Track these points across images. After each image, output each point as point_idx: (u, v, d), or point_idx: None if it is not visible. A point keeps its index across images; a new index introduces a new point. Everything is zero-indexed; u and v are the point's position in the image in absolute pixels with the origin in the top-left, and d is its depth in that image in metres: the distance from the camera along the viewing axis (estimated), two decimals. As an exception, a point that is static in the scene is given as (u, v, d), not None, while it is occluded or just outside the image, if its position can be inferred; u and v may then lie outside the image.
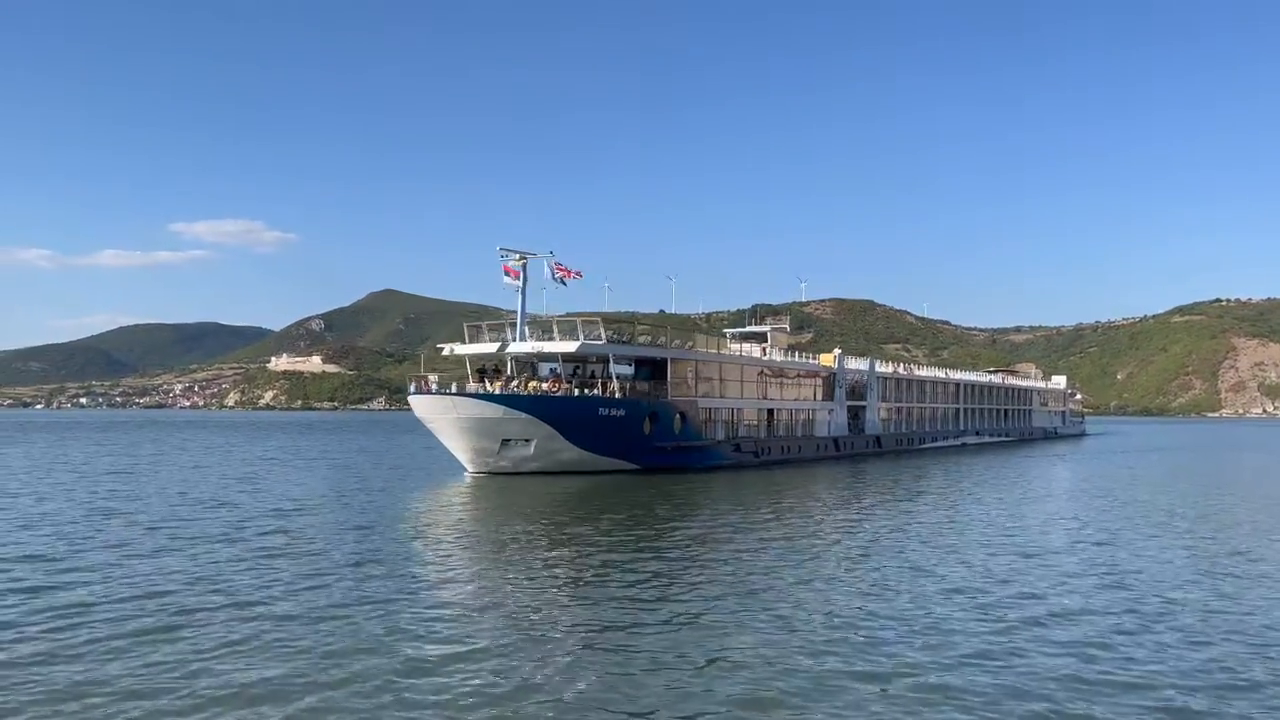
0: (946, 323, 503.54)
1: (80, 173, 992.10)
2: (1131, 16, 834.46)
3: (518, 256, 44.21)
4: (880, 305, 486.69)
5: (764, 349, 59.00)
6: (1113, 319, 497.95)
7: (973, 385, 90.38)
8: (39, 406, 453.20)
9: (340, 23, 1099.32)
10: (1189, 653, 12.94)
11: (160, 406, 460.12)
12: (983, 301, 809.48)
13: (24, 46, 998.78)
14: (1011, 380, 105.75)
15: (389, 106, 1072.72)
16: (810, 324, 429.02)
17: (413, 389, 41.30)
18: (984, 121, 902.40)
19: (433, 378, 41.43)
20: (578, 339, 42.84)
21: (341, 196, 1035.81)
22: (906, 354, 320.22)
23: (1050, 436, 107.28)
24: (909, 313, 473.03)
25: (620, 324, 46.24)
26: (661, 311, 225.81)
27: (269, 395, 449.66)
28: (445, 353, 45.70)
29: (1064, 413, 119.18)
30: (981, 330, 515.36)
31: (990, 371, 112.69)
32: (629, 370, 47.10)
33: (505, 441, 40.35)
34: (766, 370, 55.77)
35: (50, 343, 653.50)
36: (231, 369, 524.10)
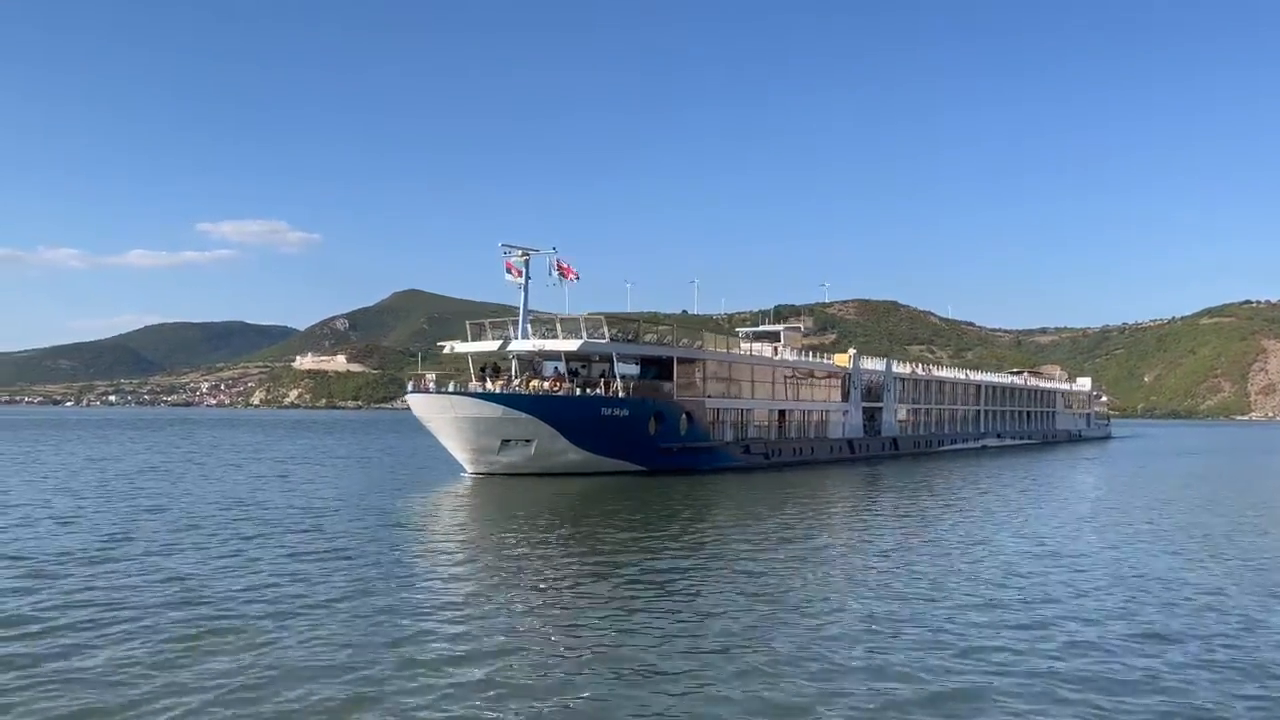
0: (971, 324, 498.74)
1: (109, 174, 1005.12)
2: (1154, 14, 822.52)
3: (520, 253, 43.37)
4: (904, 306, 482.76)
5: (775, 349, 57.80)
6: (1140, 321, 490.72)
7: (994, 386, 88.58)
8: (69, 404, 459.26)
9: (364, 24, 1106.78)
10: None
11: (187, 404, 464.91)
12: (1008, 303, 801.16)
13: (53, 48, 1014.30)
14: (1034, 381, 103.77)
15: (410, 108, 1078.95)
16: (834, 325, 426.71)
17: (410, 388, 40.53)
18: (1009, 122, 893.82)
19: (430, 376, 40.70)
20: (581, 338, 41.92)
21: (364, 197, 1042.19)
22: (930, 355, 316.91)
23: (1075, 439, 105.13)
24: (933, 314, 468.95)
25: (626, 323, 45.20)
26: (684, 312, 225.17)
27: (294, 394, 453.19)
28: (446, 351, 44.92)
29: (1089, 415, 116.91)
30: (1006, 331, 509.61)
31: (1013, 372, 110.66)
32: (634, 369, 46.21)
33: (505, 442, 39.49)
34: (778, 370, 54.59)
35: (80, 341, 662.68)
36: (257, 368, 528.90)
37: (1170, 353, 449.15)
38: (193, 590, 15.87)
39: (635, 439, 42.19)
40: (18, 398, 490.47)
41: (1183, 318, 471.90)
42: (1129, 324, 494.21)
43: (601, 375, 43.38)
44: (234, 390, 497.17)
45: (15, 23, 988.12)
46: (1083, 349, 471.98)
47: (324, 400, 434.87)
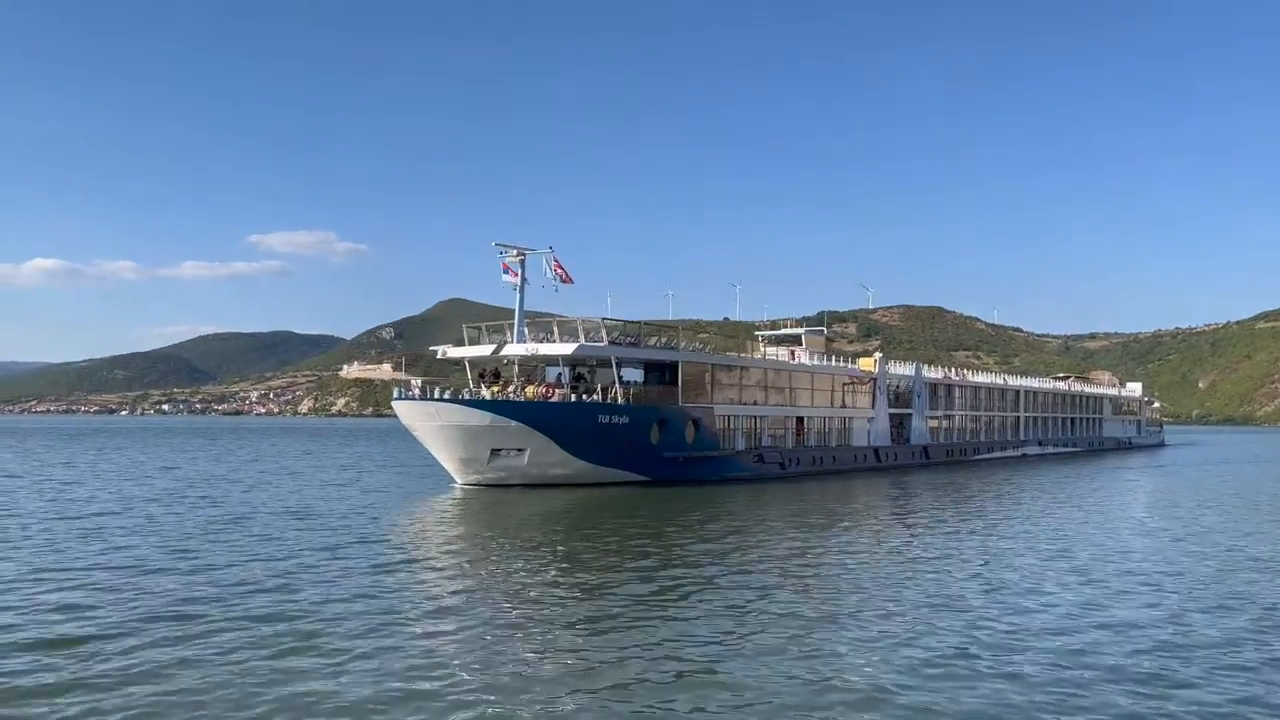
0: (1018, 329, 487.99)
1: (162, 187, 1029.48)
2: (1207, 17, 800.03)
3: (515, 253, 41.44)
4: (949, 312, 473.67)
5: (793, 352, 55.12)
6: (1193, 325, 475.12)
7: (1035, 392, 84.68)
8: (123, 413, 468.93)
9: (411, 33, 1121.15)
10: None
11: (237, 413, 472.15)
12: (1056, 308, 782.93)
13: (108, 62, 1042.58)
14: (1079, 386, 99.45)
15: (458, 116, 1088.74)
16: (878, 331, 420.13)
17: (396, 394, 38.72)
18: (1059, 123, 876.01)
19: (415, 381, 38.81)
20: (577, 341, 39.82)
21: (409, 206, 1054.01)
22: (976, 361, 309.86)
23: (1124, 447, 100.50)
24: (979, 319, 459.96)
25: (629, 325, 42.90)
26: (726, 319, 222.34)
27: (341, 402, 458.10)
28: (439, 355, 43.10)
29: (1139, 421, 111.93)
30: (1055, 337, 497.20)
31: (1057, 377, 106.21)
32: (638, 374, 44.07)
33: (495, 451, 37.48)
34: (795, 375, 51.93)
35: (134, 351, 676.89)
36: (305, 377, 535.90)
37: (1225, 358, 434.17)
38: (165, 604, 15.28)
39: (636, 448, 39.98)
40: (74, 407, 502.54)
41: (1238, 321, 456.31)
42: (1182, 328, 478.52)
43: (613, 382, 41.36)
44: (282, 399, 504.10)
45: (75, 39, 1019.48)
46: (1134, 354, 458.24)
47: (370, 409, 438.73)
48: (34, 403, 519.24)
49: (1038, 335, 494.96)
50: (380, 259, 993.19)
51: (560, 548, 22.36)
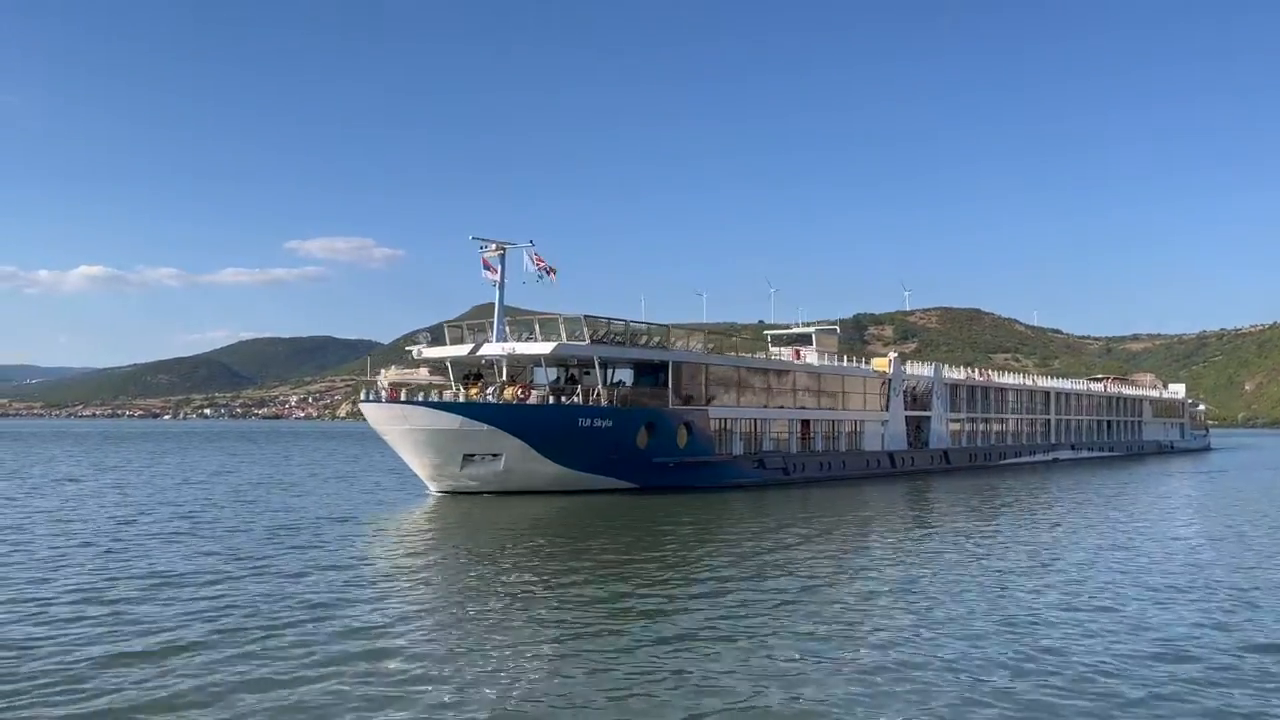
0: (1058, 331, 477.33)
1: (204, 195, 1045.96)
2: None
3: (494, 247, 39.31)
4: (987, 313, 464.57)
5: (798, 352, 52.37)
6: (1239, 326, 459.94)
7: (1067, 394, 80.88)
8: (166, 417, 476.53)
9: (445, 40, 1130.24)
10: None
11: (277, 417, 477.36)
12: (1097, 309, 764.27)
13: (149, 73, 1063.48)
14: (1116, 388, 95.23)
15: (493, 125, 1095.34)
16: (915, 333, 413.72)
17: (364, 395, 36.76)
18: (1100, 125, 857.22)
19: (383, 381, 36.73)
20: (558, 339, 37.60)
21: (445, 212, 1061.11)
22: (1016, 364, 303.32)
23: (1165, 451, 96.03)
24: (1018, 321, 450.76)
25: (614, 323, 40.43)
26: (760, 322, 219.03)
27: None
28: (414, 355, 41.09)
29: (1183, 425, 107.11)
30: (1096, 339, 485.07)
31: (1094, 379, 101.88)
32: (628, 375, 41.78)
33: (468, 456, 35.34)
34: (800, 376, 49.22)
35: (177, 356, 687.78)
36: (343, 380, 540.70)
37: (1273, 359, 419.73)
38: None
39: (622, 453, 37.65)
40: (119, 412, 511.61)
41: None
42: (1228, 329, 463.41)
43: (600, 383, 39.09)
44: (321, 403, 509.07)
45: (113, 46, 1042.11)
46: (1178, 356, 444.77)
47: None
48: (80, 406, 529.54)
49: (1078, 337, 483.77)
50: (417, 265, 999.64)
51: (507, 564, 20.23)
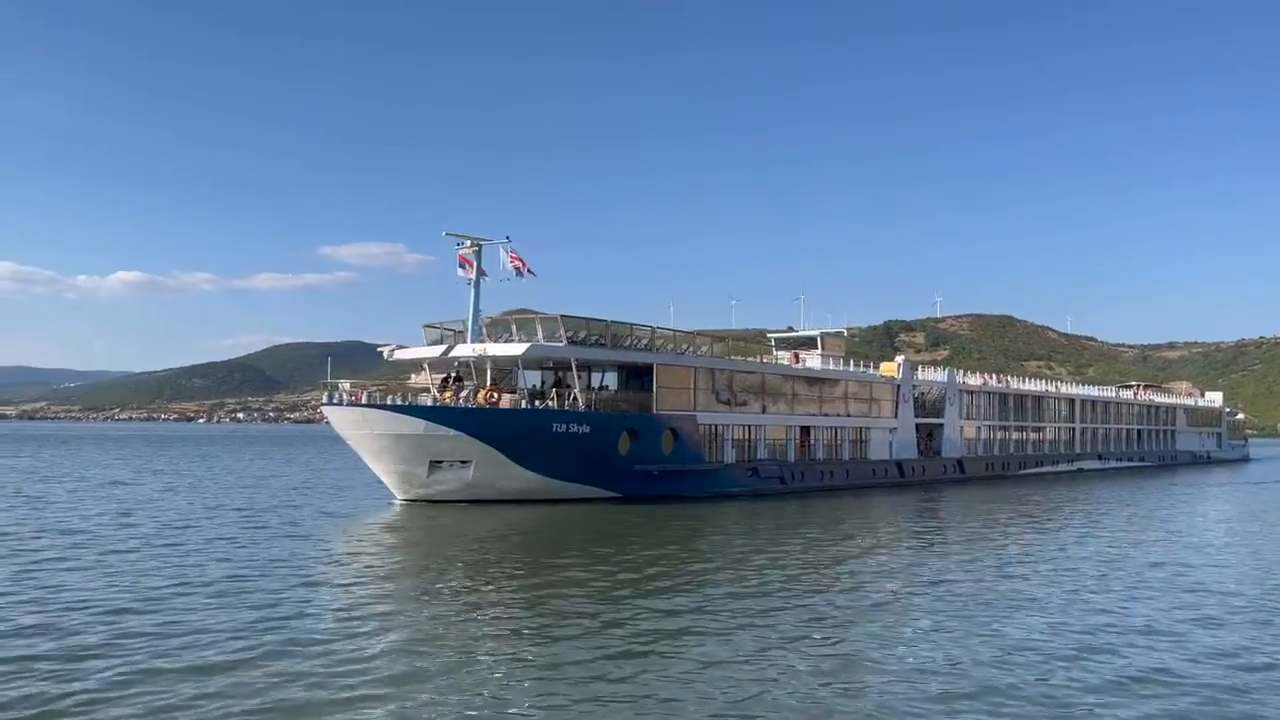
0: (1092, 339, 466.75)
1: (239, 202, 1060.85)
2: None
3: (469, 243, 37.51)
4: (1020, 321, 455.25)
5: (796, 355, 50.00)
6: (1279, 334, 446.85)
7: (1094, 401, 77.60)
8: (201, 421, 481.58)
9: (476, 53, 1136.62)
10: None
11: (309, 421, 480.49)
12: (1132, 316, 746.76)
13: (178, 84, 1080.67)
14: (1148, 396, 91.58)
15: (519, 133, 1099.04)
16: (946, 341, 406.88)
17: (326, 399, 35.09)
18: (1136, 130, 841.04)
19: (345, 385, 35.04)
20: (535, 339, 35.71)
21: (477, 219, 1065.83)
22: (1049, 371, 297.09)
23: (1200, 461, 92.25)
24: (1051, 328, 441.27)
25: (594, 324, 38.32)
26: (790, 329, 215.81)
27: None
28: (386, 356, 39.40)
29: (1219, 434, 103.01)
30: (1130, 347, 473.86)
31: (1124, 386, 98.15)
32: (614, 379, 39.81)
33: (435, 463, 33.52)
34: (798, 380, 46.88)
35: (211, 360, 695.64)
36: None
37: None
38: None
39: (601, 460, 35.66)
40: (155, 415, 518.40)
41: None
42: (1267, 337, 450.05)
43: (585, 386, 37.16)
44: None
45: (154, 54, 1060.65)
46: (1215, 364, 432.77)
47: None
48: (117, 410, 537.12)
49: (1113, 345, 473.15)
50: (447, 269, 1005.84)
51: (454, 583, 18.44)
